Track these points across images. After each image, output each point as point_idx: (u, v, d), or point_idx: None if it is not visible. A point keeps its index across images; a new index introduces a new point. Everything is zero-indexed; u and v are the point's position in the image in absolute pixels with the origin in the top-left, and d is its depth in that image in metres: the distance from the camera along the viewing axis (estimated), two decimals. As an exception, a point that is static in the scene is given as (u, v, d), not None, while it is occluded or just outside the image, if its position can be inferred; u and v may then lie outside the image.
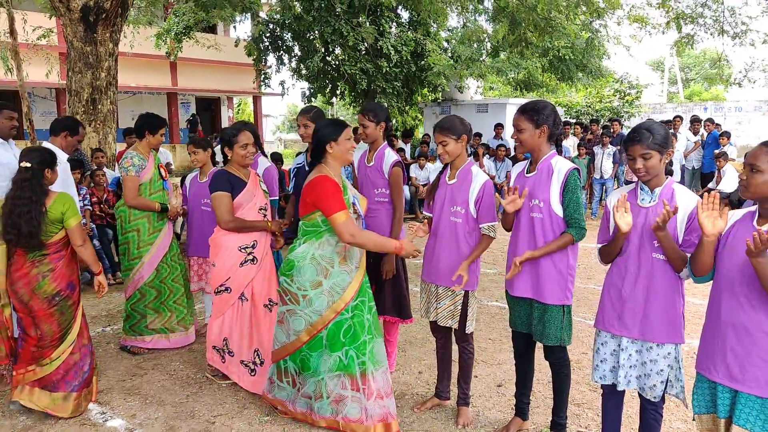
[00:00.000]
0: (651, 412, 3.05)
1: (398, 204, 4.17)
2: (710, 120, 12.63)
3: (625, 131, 13.56)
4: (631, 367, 3.00)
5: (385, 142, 4.29)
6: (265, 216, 4.33)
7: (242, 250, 4.16)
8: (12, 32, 12.24)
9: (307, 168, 4.53)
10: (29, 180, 3.68)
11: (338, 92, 17.78)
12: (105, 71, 8.66)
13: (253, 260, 4.18)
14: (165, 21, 16.27)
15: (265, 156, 4.92)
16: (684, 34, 9.45)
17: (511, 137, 3.54)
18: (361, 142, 4.35)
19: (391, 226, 4.19)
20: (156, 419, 3.90)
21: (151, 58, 19.89)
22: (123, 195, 4.91)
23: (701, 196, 2.65)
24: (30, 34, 13.14)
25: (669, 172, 3.03)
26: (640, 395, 3.05)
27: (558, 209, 3.27)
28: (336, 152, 3.51)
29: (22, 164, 3.74)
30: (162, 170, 5.08)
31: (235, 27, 23.94)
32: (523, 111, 3.33)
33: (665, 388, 2.95)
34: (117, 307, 6.32)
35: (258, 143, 4.94)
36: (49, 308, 3.79)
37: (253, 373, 4.19)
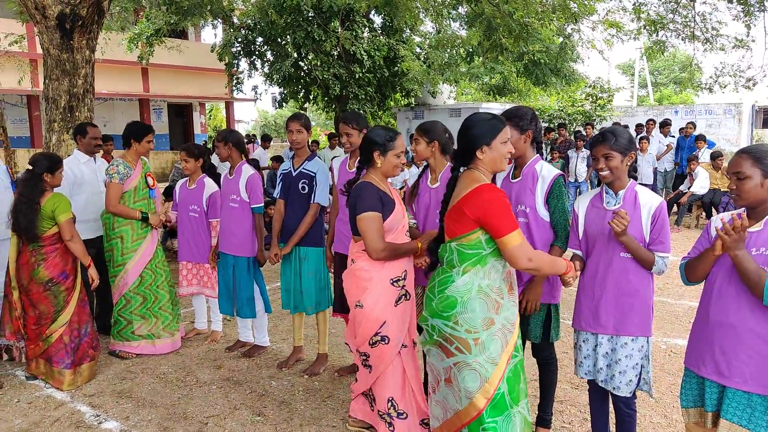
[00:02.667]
0: (624, 409, 3.12)
1: None
2: (692, 123, 12.85)
3: (598, 134, 13.75)
4: (607, 365, 3.09)
5: None
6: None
7: (395, 284, 3.36)
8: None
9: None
10: (29, 181, 4.28)
11: (311, 97, 17.82)
12: (82, 78, 8.56)
13: (406, 295, 3.41)
14: (136, 25, 16.17)
15: (249, 163, 4.97)
16: (656, 39, 9.60)
17: None
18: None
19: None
20: (150, 421, 3.94)
21: (123, 65, 19.73)
22: (105, 202, 4.93)
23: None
24: (2, 40, 12.97)
25: (633, 177, 3.15)
26: (612, 393, 3.11)
27: (544, 214, 3.33)
28: (487, 158, 2.82)
29: (27, 167, 4.31)
30: (150, 179, 5.10)
31: (204, 30, 23.89)
32: (508, 118, 3.36)
33: (638, 381, 3.05)
34: (101, 314, 6.31)
35: (244, 152, 4.98)
36: (44, 292, 4.35)
37: (391, 428, 3.43)
